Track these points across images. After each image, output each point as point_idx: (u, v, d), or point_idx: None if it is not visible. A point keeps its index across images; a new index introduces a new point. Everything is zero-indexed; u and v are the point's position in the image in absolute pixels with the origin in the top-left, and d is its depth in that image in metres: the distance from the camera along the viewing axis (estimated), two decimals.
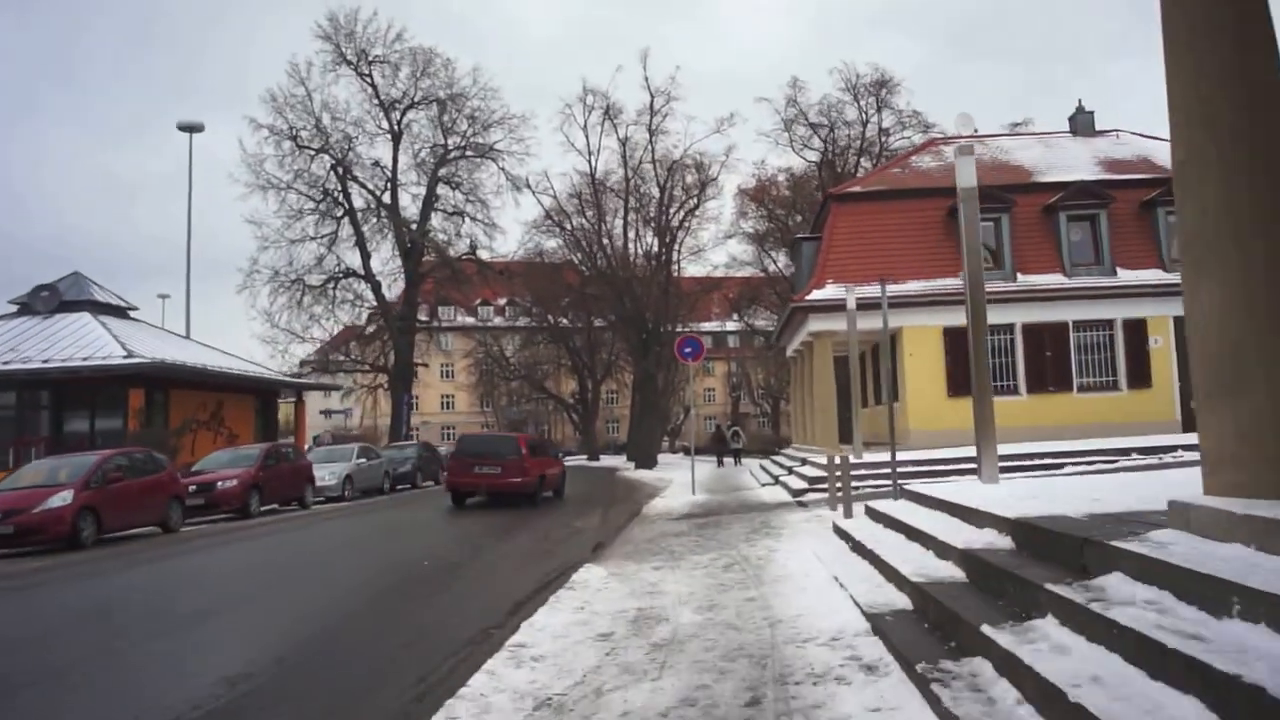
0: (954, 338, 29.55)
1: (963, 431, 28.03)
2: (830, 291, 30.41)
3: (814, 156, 55.06)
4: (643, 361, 49.64)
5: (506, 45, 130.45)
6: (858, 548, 12.42)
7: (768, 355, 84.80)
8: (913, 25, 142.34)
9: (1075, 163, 32.82)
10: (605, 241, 52.26)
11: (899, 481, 17.49)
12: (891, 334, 32.06)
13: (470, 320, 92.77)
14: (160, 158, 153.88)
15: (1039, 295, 29.55)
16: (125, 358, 33.58)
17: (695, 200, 53.53)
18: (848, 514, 17.01)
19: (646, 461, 47.47)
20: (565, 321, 69.39)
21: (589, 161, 53.78)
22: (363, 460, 35.63)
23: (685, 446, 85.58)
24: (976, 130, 35.79)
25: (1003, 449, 26.65)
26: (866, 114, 52.62)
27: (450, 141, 60.36)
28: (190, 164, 49.02)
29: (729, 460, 56.48)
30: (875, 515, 14.05)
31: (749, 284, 65.78)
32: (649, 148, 52.16)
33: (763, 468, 38.39)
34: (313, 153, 58.33)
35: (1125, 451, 24.50)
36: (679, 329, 57.35)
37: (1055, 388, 29.37)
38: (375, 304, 61.10)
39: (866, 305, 27.10)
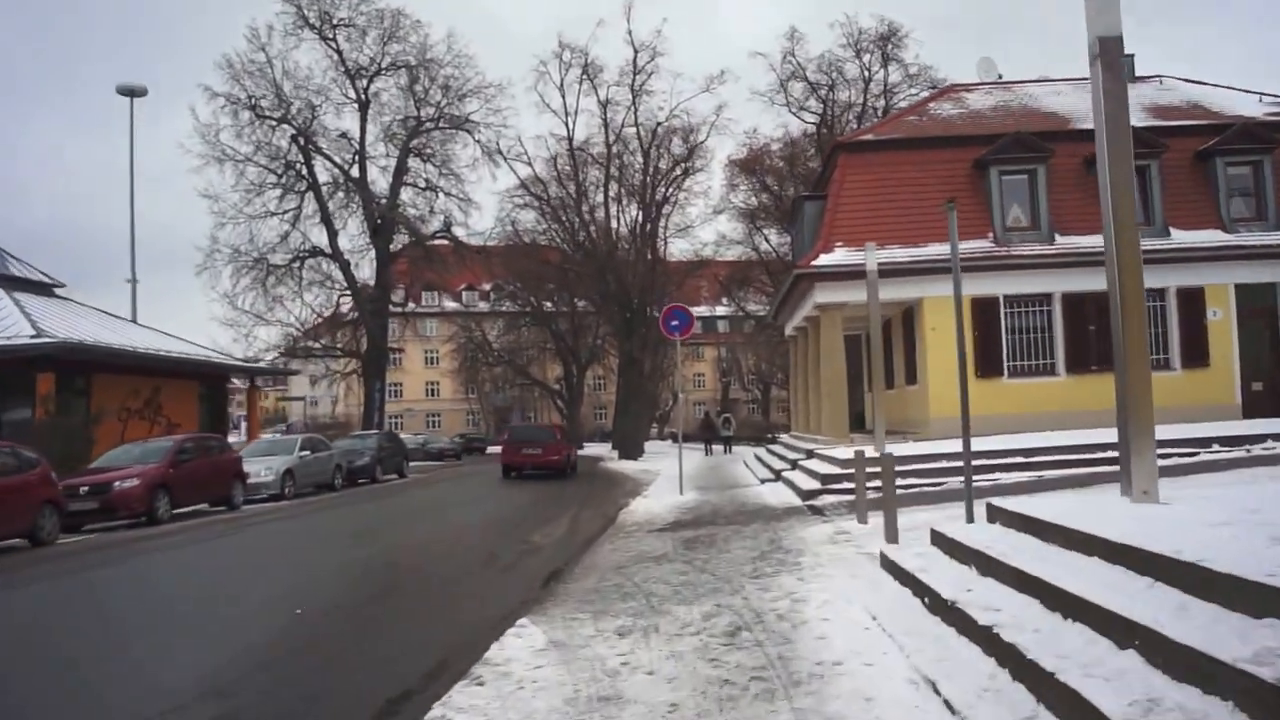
0: (983, 310, 24.80)
1: (989, 418, 23.37)
2: (839, 256, 25.56)
3: (811, 119, 49.89)
4: (626, 343, 44.59)
5: (481, 6, 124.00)
6: (942, 607, 7.49)
7: (760, 339, 79.94)
8: None
9: None
10: (586, 213, 46.99)
11: (971, 492, 12.27)
12: (908, 306, 27.32)
13: (454, 305, 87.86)
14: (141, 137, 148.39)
15: (1081, 259, 24.60)
16: (33, 337, 28.52)
17: (682, 169, 48.45)
18: (893, 537, 12.10)
19: (632, 451, 42.55)
20: (549, 305, 64.62)
21: (566, 125, 48.63)
22: (307, 453, 30.62)
23: (674, 433, 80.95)
24: (1000, 76, 30.94)
25: (1039, 439, 22.11)
26: (869, 71, 47.50)
27: (423, 112, 55.34)
28: (131, 131, 43.29)
29: (718, 448, 51.73)
30: (953, 548, 9.08)
31: (739, 266, 60.79)
32: (632, 110, 47.31)
33: (758, 459, 33.42)
34: (274, 123, 53.26)
35: (1204, 442, 19.58)
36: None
37: (1099, 367, 24.46)
38: (345, 285, 56.11)
39: (882, 272, 22.57)
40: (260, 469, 28.21)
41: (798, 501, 19.30)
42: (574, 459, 37.50)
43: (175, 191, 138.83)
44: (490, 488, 31.79)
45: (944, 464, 18.95)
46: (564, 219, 46.97)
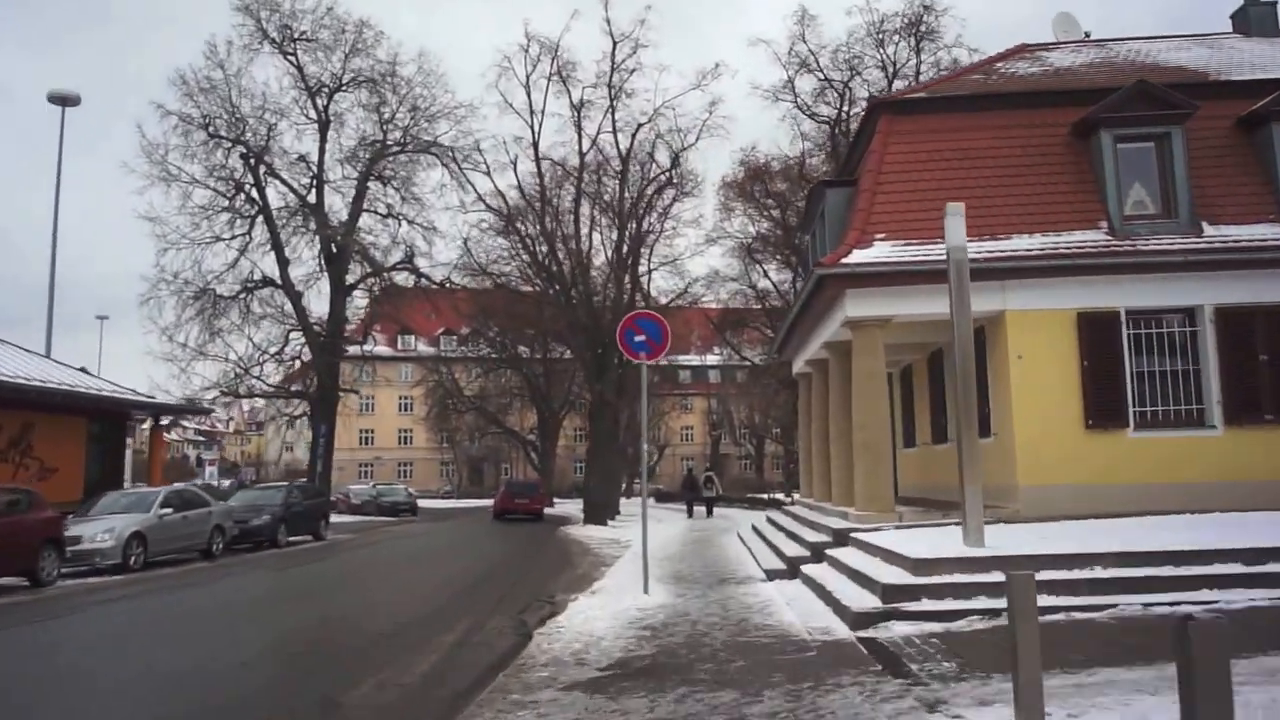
0: (1095, 330, 16.37)
1: (1107, 491, 15.31)
2: (881, 252, 17.28)
3: (823, 118, 41.06)
4: (597, 385, 35.74)
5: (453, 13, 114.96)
6: None
7: (754, 389, 71.35)
8: None
9: (1271, 62, 19.61)
10: (552, 230, 38.03)
11: None
12: (978, 325, 18.93)
13: (430, 349, 79.25)
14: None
15: (1241, 259, 16.25)
16: None
17: (667, 179, 39.78)
18: None
19: (600, 514, 33.71)
20: (522, 349, 56.26)
21: (531, 128, 40.01)
22: (168, 511, 22.03)
23: (659, 490, 72.02)
24: (1088, 34, 22.71)
25: (1265, 527, 11.57)
26: (895, 64, 38.89)
27: (389, 136, 47.24)
28: (61, 140, 35.79)
29: (700, 510, 43.11)
30: None
31: (733, 312, 52.27)
32: (609, 114, 38.93)
33: (758, 533, 24.76)
34: (228, 144, 45.15)
35: None
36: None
37: (1274, 416, 15.97)
38: (296, 319, 47.61)
39: (927, 273, 15.72)
40: (96, 532, 20.26)
41: (843, 630, 10.56)
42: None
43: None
44: (406, 560, 23.68)
45: (1094, 571, 10.48)
46: (525, 237, 38.00)
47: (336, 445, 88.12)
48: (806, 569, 14.54)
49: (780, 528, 22.69)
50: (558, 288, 33.42)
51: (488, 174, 41.64)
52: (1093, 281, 16.50)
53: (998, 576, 9.57)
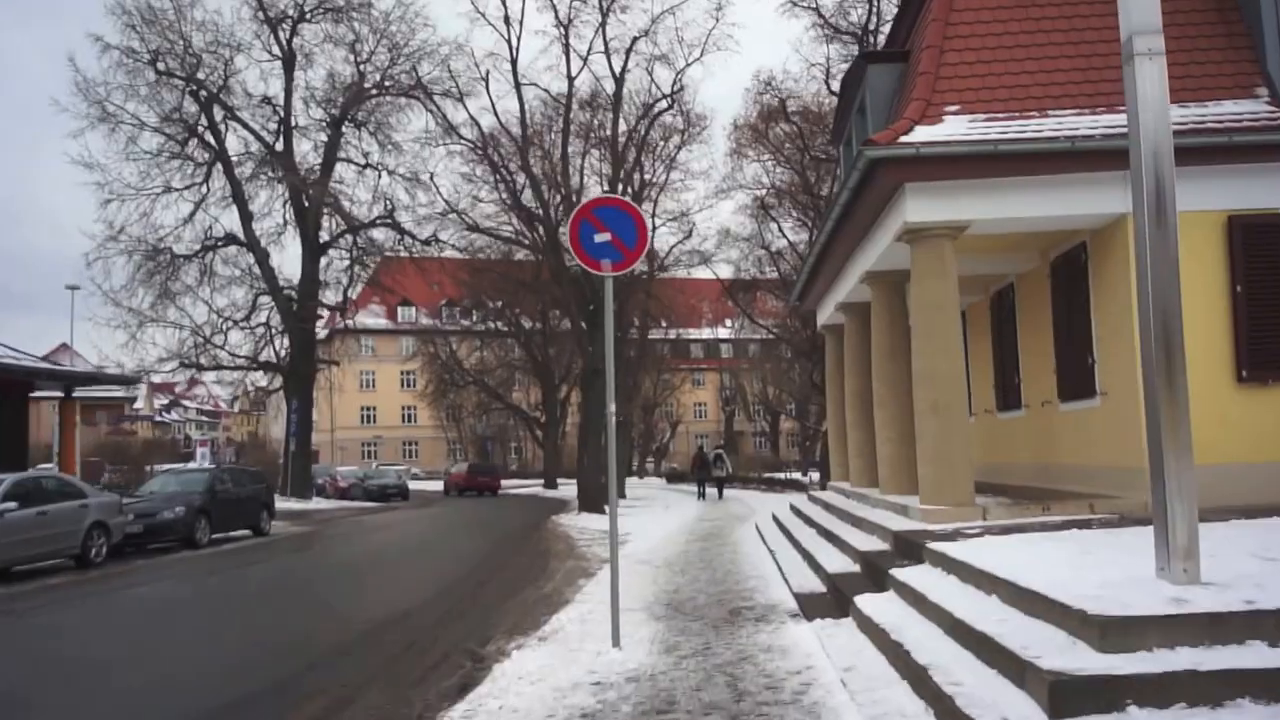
0: (1257, 239, 10.67)
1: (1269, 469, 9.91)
2: (955, 128, 11.77)
3: (849, 30, 34.51)
4: (590, 344, 29.82)
5: None
6: None
7: (767, 363, 65.76)
8: None
9: None
10: (535, 162, 31.89)
11: None
12: (1077, 242, 13.35)
13: (431, 322, 73.71)
14: None
15: None
16: None
17: (669, 103, 33.65)
18: None
19: (597, 499, 27.99)
20: (524, 320, 50.76)
21: (508, 42, 33.88)
22: (11, 505, 16.51)
23: (673, 469, 66.32)
24: None
25: None
26: None
27: (368, 79, 41.65)
28: None
29: (712, 492, 37.71)
30: None
31: (742, 281, 46.53)
32: (600, 31, 32.82)
33: (780, 525, 19.22)
34: (180, 83, 39.68)
35: None
36: (647, 295, 38.35)
37: None
38: (266, 282, 42.26)
39: (1027, 156, 11.14)
40: None
41: None
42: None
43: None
44: (340, 569, 18.57)
45: None
46: (501, 168, 31.89)
47: (337, 424, 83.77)
48: (864, 604, 8.90)
49: (810, 521, 17.10)
50: (541, 232, 27.68)
51: (460, 99, 35.83)
52: (1250, 171, 10.94)
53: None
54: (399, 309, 76.88)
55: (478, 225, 35.81)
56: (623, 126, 31.68)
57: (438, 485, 65.21)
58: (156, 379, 49.95)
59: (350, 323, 46.79)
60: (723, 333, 78.12)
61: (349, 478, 47.66)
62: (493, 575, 16.39)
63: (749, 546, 18.21)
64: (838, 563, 11.93)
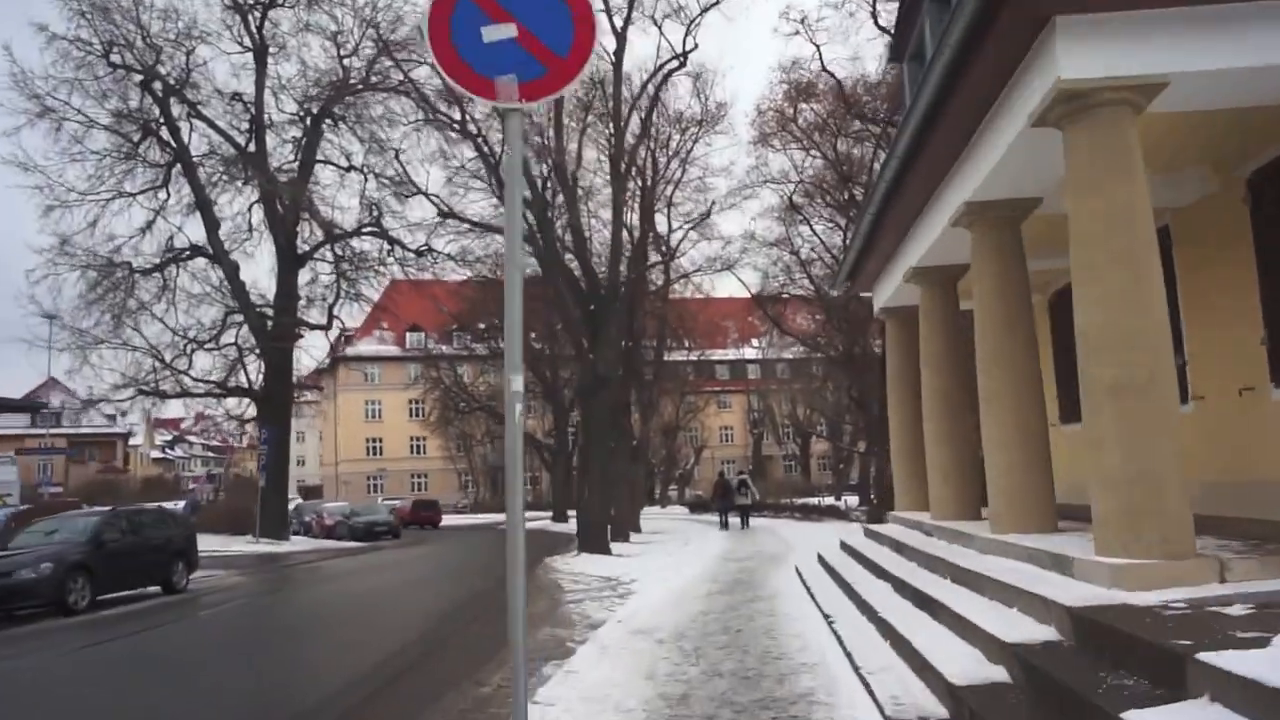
0: None
1: None
2: None
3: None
4: (590, 352, 24.30)
5: None
6: None
7: (798, 383, 60.64)
8: None
9: None
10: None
11: None
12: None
13: (443, 348, 68.70)
14: None
15: None
16: None
17: (679, 63, 27.89)
18: None
19: (599, 538, 22.63)
20: (531, 339, 45.69)
21: None
22: None
23: (698, 497, 60.87)
24: None
25: None
26: None
27: (352, 74, 36.88)
28: None
29: (735, 521, 32.75)
30: None
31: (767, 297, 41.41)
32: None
33: (832, 573, 13.87)
34: (139, 76, 35.18)
35: None
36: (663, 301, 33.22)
37: None
38: (235, 298, 37.53)
39: None
40: None
41: None
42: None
43: None
44: (232, 653, 13.00)
45: None
46: (483, 147, 26.31)
47: (340, 456, 78.82)
48: None
49: (878, 569, 11.85)
50: (533, 219, 22.60)
51: (457, 103, 30.80)
52: None
53: None
54: (408, 335, 72.05)
55: (455, 212, 29.83)
56: (626, 95, 26.38)
57: (455, 520, 60.35)
58: (109, 409, 45.13)
59: (338, 341, 41.65)
60: (749, 353, 72.98)
61: (335, 515, 42.62)
62: (427, 657, 11.39)
63: (792, 604, 13.02)
64: (961, 660, 6.72)
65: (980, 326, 10.26)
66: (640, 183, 29.40)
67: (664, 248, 32.94)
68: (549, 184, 23.82)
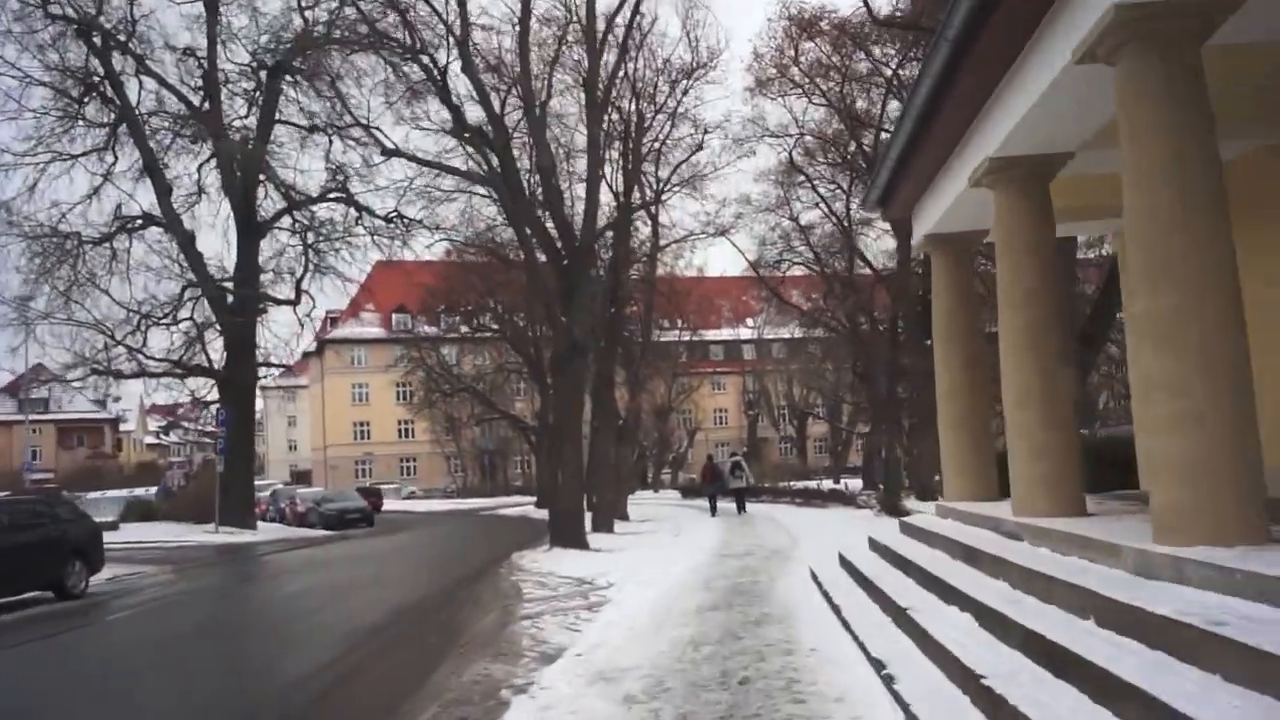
0: None
1: None
2: None
3: None
4: (564, 316, 20.09)
5: None
6: None
7: (794, 363, 56.99)
8: None
9: None
10: (482, 58, 22.22)
11: None
12: None
13: (428, 329, 64.71)
14: None
15: None
16: None
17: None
18: None
19: (574, 530, 18.54)
20: (517, 317, 41.95)
21: None
22: None
23: (692, 481, 56.93)
24: None
25: None
26: None
27: (315, 26, 32.81)
28: None
29: (728, 507, 29.33)
30: None
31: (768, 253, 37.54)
32: None
33: (866, 583, 10.05)
34: (75, 26, 31.26)
35: None
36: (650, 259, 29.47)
37: None
38: (192, 270, 33.69)
39: None
40: None
41: None
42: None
43: None
44: (95, 682, 9.06)
45: None
46: (435, 76, 21.75)
47: (328, 441, 74.98)
48: None
49: (950, 592, 7.95)
50: (497, 164, 18.55)
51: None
52: None
53: None
54: (394, 316, 68.13)
55: (401, 150, 25.13)
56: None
57: (436, 505, 56.71)
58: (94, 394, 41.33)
59: (308, 319, 37.61)
60: (744, 333, 69.26)
61: (307, 501, 38.87)
62: (324, 700, 7.76)
63: (816, 632, 9.25)
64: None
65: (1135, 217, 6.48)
66: (622, 126, 25.61)
67: (648, 194, 28.88)
68: (518, 123, 19.75)
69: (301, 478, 76.37)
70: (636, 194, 29.21)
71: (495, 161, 19.18)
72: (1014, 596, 6.90)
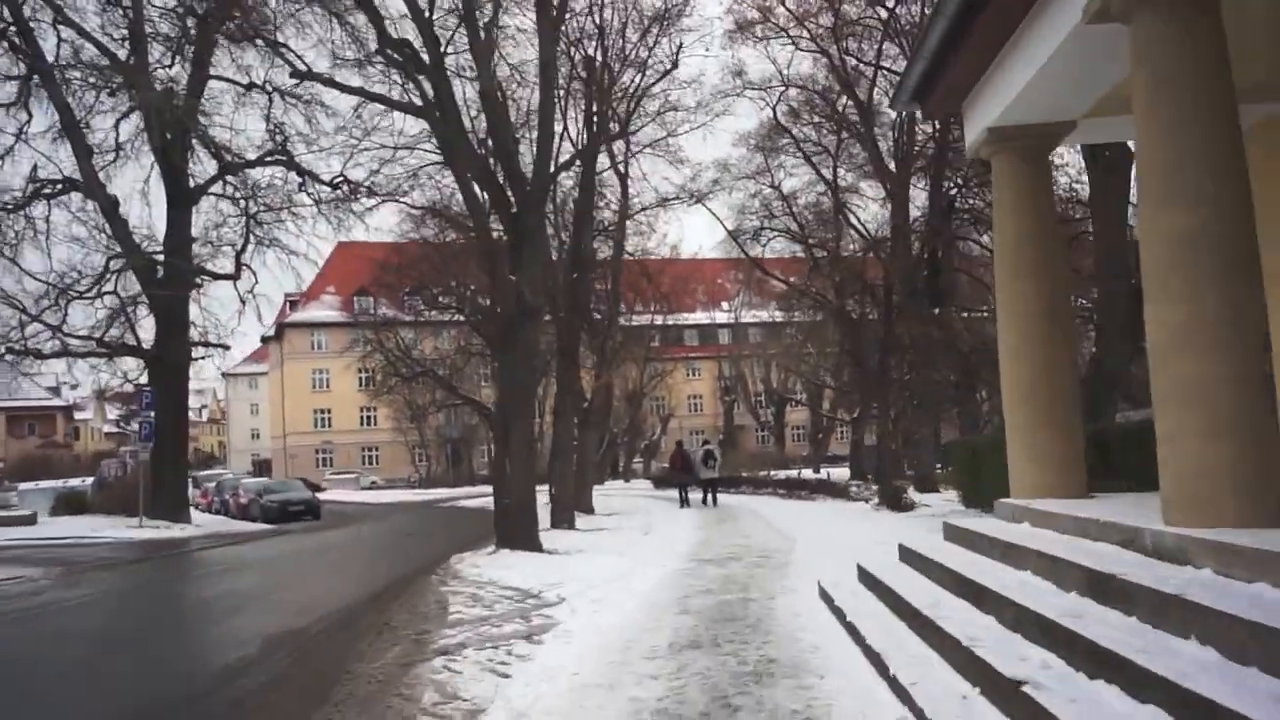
0: None
1: None
2: None
3: None
4: (511, 274, 16.68)
5: None
6: None
7: (772, 346, 53.89)
8: None
9: None
10: None
11: None
12: None
13: (387, 313, 60.93)
14: None
15: None
16: None
17: None
18: None
19: (526, 529, 15.16)
20: (479, 297, 38.39)
21: None
22: None
23: (665, 469, 53.57)
24: None
25: None
26: None
27: None
28: None
29: (696, 497, 26.34)
30: None
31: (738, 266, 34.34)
32: None
33: (924, 622, 6.75)
34: None
35: None
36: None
37: None
38: (116, 239, 30.24)
39: None
40: None
41: None
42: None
43: None
44: None
45: None
46: None
47: (288, 429, 71.24)
48: None
49: (1074, 643, 4.79)
50: (429, 88, 15.12)
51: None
52: None
53: None
54: (355, 300, 64.28)
55: (315, 73, 21.23)
56: None
57: (396, 496, 53.30)
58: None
59: (250, 296, 33.95)
60: (720, 317, 66.12)
61: (249, 492, 35.42)
62: None
63: (850, 696, 6.04)
64: None
65: None
66: (585, 68, 22.29)
67: (618, 154, 25.43)
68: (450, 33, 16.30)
69: (263, 468, 72.73)
70: (604, 158, 25.98)
71: (429, 88, 15.77)
72: (1237, 675, 3.71)
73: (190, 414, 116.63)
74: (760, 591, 10.80)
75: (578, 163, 22.42)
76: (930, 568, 8.02)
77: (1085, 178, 20.27)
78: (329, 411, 70.09)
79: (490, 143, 16.54)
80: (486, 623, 10.06)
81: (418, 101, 16.52)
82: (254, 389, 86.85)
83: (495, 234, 17.59)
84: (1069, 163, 24.24)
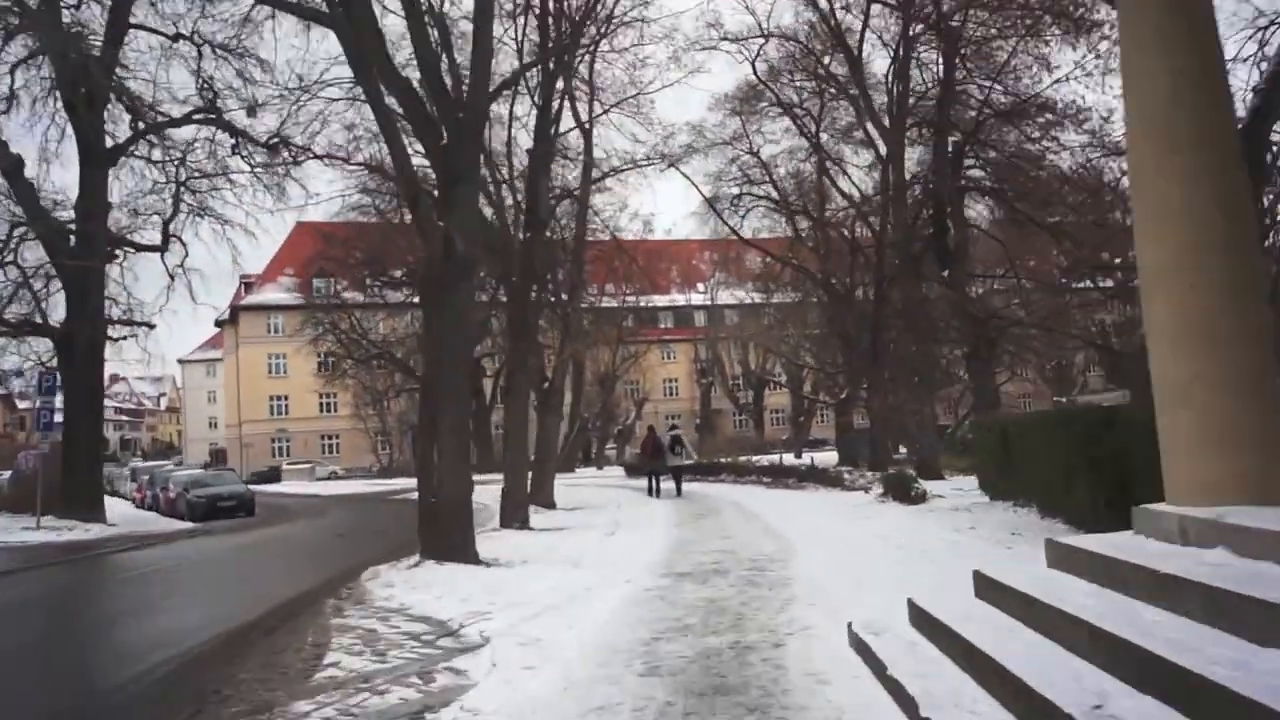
0: None
1: None
2: None
3: None
4: (441, 220, 13.43)
5: None
6: None
7: (750, 327, 50.77)
8: None
9: None
10: None
11: None
12: None
13: (346, 295, 57.13)
14: None
15: None
16: None
17: None
18: None
19: (451, 536, 11.94)
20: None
21: None
22: None
23: (638, 456, 50.38)
24: None
25: None
26: None
27: None
28: None
29: (666, 485, 23.55)
30: None
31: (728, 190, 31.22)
32: None
33: (990, 667, 3.57)
34: None
35: None
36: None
37: None
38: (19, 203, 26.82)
39: None
40: None
41: None
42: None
43: None
44: None
45: None
46: None
47: (243, 417, 67.37)
48: None
49: None
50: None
51: None
52: None
53: None
54: (313, 282, 60.51)
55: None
56: None
57: (350, 487, 49.84)
58: None
59: (180, 270, 30.35)
60: (696, 299, 63.01)
61: (178, 486, 31.91)
62: None
63: None
64: None
65: None
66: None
67: (570, 23, 21.64)
68: None
69: (219, 457, 68.99)
70: (570, 109, 22.66)
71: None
72: None
73: (149, 402, 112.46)
74: (759, 630, 7.59)
75: (527, 92, 19.08)
76: (1041, 615, 4.84)
77: None
78: (286, 398, 66.26)
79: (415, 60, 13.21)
80: (368, 685, 6.87)
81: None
82: (211, 376, 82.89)
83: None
84: None
